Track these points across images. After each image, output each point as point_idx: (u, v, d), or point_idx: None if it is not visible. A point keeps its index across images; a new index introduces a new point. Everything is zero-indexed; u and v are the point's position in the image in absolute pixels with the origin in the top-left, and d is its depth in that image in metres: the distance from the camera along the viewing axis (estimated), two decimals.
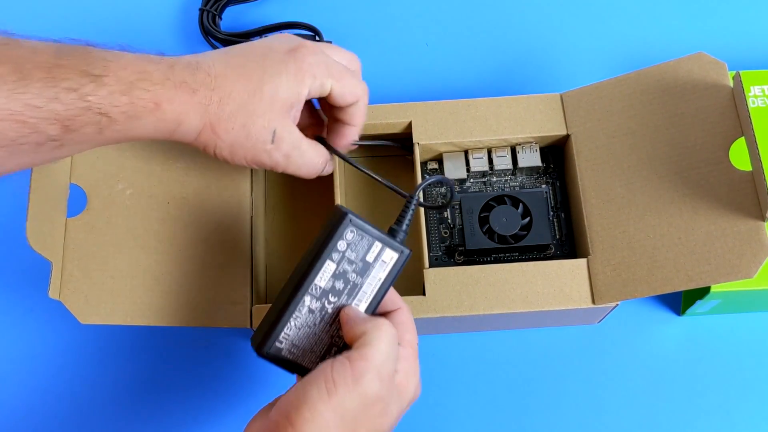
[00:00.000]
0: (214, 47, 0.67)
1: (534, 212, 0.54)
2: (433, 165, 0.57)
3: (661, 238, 0.49)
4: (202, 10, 0.67)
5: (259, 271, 0.55)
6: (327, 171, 0.50)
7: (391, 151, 0.60)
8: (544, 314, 0.52)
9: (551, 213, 0.56)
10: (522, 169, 0.56)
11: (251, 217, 0.54)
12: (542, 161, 0.56)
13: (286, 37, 0.46)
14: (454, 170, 0.56)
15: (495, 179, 0.56)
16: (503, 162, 0.55)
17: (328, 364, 0.38)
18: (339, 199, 0.54)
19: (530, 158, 0.55)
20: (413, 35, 0.69)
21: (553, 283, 0.51)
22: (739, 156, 0.50)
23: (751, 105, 0.56)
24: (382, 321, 0.40)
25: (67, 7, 0.70)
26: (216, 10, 0.67)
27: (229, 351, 0.58)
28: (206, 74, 0.43)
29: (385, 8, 0.68)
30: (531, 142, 0.55)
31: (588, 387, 0.57)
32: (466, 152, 0.56)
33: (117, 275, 0.49)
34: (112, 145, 0.50)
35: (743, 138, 0.48)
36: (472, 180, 0.57)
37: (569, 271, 0.51)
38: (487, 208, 0.54)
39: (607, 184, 0.52)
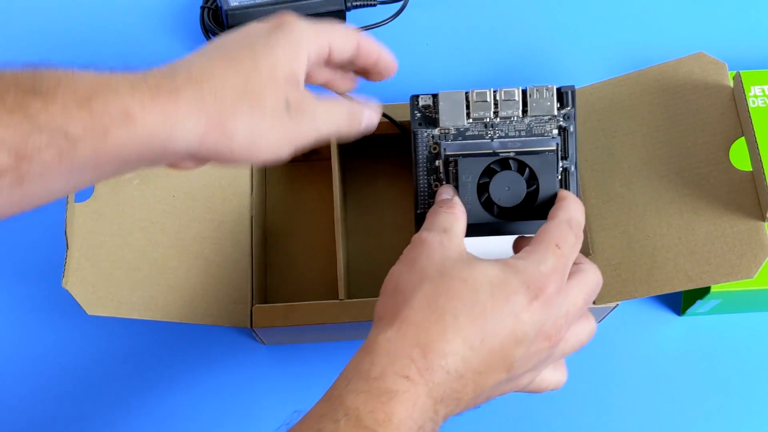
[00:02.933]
0: None
1: (542, 179, 0.46)
2: (426, 101, 0.49)
3: (661, 238, 0.49)
4: (203, 8, 0.67)
5: (259, 270, 0.55)
6: (366, 123, 0.45)
7: (391, 151, 0.60)
8: None
9: (559, 174, 0.47)
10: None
11: (251, 216, 0.54)
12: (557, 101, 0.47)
13: (262, 21, 0.42)
14: (450, 115, 0.47)
15: (498, 120, 0.47)
16: (510, 108, 0.47)
17: None
18: (338, 199, 0.54)
19: (543, 106, 0.47)
20: (413, 35, 0.69)
21: None
22: (739, 156, 0.50)
23: (751, 105, 0.56)
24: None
25: (67, 5, 0.70)
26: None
27: (229, 350, 0.58)
28: (187, 73, 0.37)
29: (384, 8, 0.68)
30: (548, 84, 0.48)
31: (588, 387, 0.57)
32: (466, 94, 0.48)
33: (124, 267, 0.48)
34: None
35: (743, 138, 0.48)
36: (470, 122, 0.48)
37: None
38: (488, 171, 0.46)
39: (607, 184, 0.52)
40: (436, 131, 0.48)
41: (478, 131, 0.48)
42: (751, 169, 0.47)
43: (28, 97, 0.33)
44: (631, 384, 0.56)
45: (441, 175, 0.48)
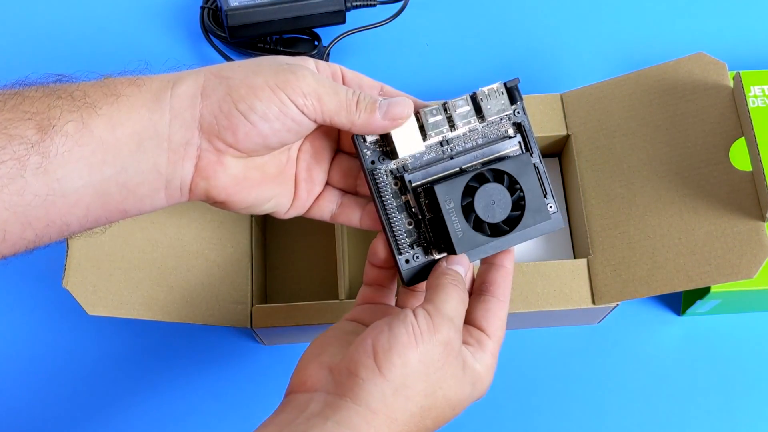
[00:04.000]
0: (215, 47, 0.67)
1: (524, 183, 0.42)
2: (373, 136, 0.42)
3: (661, 238, 0.49)
4: (203, 8, 0.67)
5: (259, 270, 0.55)
6: (384, 111, 0.40)
7: None
8: (544, 314, 0.52)
9: (539, 174, 0.44)
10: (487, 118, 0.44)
11: (252, 216, 0.54)
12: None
13: None
14: (407, 143, 0.42)
15: (452, 136, 0.43)
16: (465, 117, 0.43)
17: (409, 312, 0.37)
18: None
19: (498, 105, 0.43)
20: (413, 35, 0.69)
21: (553, 283, 0.51)
22: (739, 156, 0.50)
23: (751, 105, 0.56)
24: (452, 283, 0.39)
25: (67, 5, 0.70)
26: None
27: (229, 350, 0.58)
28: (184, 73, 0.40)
29: (384, 8, 0.68)
30: (493, 84, 0.44)
31: (588, 387, 0.57)
32: (416, 114, 0.42)
33: (124, 266, 0.49)
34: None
35: (743, 138, 0.48)
36: (428, 144, 0.43)
37: (569, 271, 0.51)
38: (467, 191, 0.42)
39: (607, 184, 0.52)
40: (393, 165, 0.43)
41: (435, 153, 0.43)
42: (751, 169, 0.47)
43: (51, 84, 0.37)
44: (631, 384, 0.57)
45: (414, 209, 0.42)
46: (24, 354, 0.58)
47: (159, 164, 0.38)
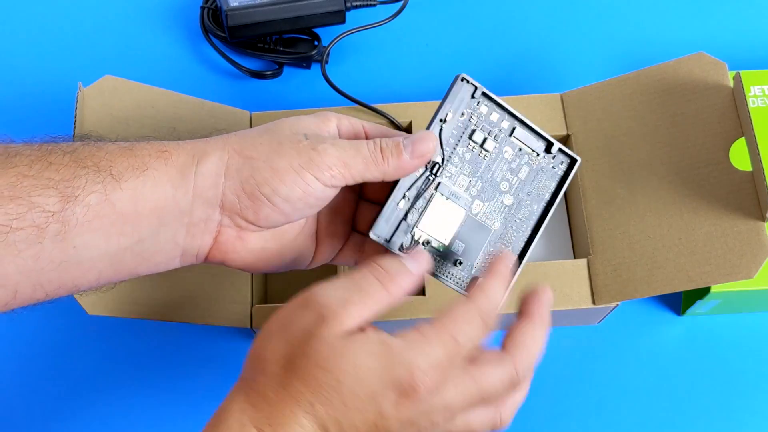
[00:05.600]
0: (215, 47, 0.67)
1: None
2: None
3: (661, 238, 0.49)
4: (203, 8, 0.67)
5: None
6: (404, 154, 0.40)
7: None
8: None
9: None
10: None
11: None
12: None
13: None
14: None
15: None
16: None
17: None
18: None
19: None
20: (413, 35, 0.69)
21: (553, 283, 0.51)
22: (739, 156, 0.50)
23: (751, 105, 0.56)
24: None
25: (68, 5, 0.70)
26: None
27: (229, 350, 0.58)
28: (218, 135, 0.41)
29: (384, 8, 0.68)
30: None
31: (588, 387, 0.57)
32: None
33: None
34: (121, 126, 0.48)
35: (743, 138, 0.48)
36: None
37: (569, 271, 0.51)
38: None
39: (607, 185, 0.52)
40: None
41: None
42: (751, 170, 0.47)
43: (78, 146, 0.37)
44: (631, 384, 0.57)
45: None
46: (24, 354, 0.58)
47: (177, 237, 0.39)
